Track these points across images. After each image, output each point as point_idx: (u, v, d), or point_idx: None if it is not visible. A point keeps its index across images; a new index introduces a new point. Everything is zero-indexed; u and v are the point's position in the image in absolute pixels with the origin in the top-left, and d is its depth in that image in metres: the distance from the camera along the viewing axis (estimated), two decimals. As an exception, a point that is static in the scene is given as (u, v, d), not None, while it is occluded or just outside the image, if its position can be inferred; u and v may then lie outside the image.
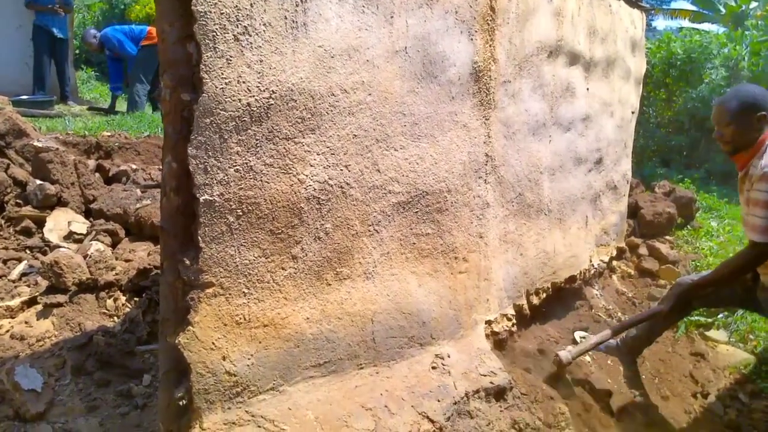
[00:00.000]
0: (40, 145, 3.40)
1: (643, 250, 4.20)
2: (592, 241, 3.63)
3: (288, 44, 1.52)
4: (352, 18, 1.72)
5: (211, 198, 1.41)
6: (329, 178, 1.69)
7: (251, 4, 1.41)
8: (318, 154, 1.65)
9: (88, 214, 3.42)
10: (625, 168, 4.11)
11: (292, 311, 1.66)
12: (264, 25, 1.45)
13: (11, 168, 3.46)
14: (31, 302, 2.17)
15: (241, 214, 1.48)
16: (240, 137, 1.44)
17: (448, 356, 2.16)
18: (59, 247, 3.06)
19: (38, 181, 3.33)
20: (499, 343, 2.59)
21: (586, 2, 3.15)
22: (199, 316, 1.45)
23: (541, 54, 2.74)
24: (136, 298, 2.12)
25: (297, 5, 1.53)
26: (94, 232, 3.08)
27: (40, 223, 3.23)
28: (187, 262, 1.42)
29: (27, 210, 3.24)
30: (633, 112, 4.06)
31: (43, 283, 2.59)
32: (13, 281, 2.81)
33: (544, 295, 3.05)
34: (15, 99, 6.09)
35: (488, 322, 2.49)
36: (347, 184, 1.76)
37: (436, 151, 2.11)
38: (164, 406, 1.53)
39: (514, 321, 2.70)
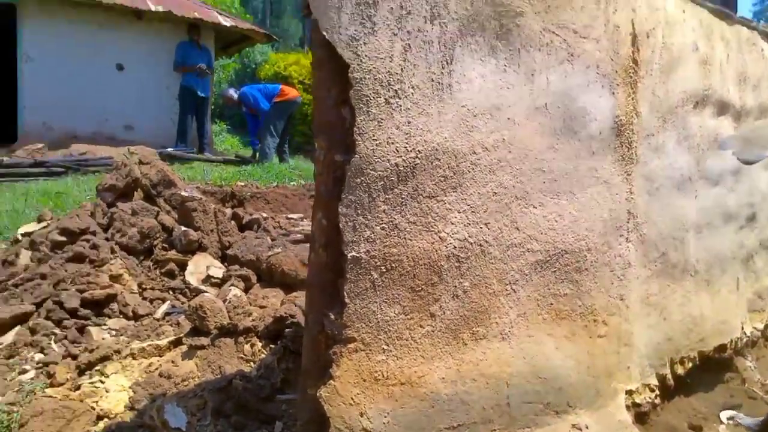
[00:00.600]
0: (185, 194, 3.72)
1: (803, 318, 3.70)
2: (744, 306, 3.27)
3: (434, 105, 1.55)
4: (494, 77, 1.72)
5: (358, 255, 1.44)
6: (469, 236, 1.68)
7: (401, 69, 1.46)
8: (459, 212, 1.64)
9: (223, 259, 3.66)
10: (781, 225, 3.71)
11: (429, 370, 1.63)
12: (412, 87, 1.49)
13: (160, 215, 3.80)
14: (177, 342, 2.33)
15: (384, 270, 1.50)
16: (387, 196, 1.47)
17: (587, 428, 2.01)
18: (199, 289, 3.29)
19: (183, 228, 3.63)
20: (641, 416, 2.37)
21: (736, 48, 2.95)
22: (340, 370, 1.46)
23: (686, 105, 2.59)
24: (271, 345, 2.20)
25: (443, 67, 1.56)
26: (230, 277, 3.28)
27: (183, 266, 3.50)
28: (332, 316, 1.45)
29: (172, 254, 3.53)
30: (789, 164, 3.68)
31: (185, 324, 2.78)
32: (158, 320, 3.05)
33: (690, 364, 2.77)
34: (161, 151, 6.78)
35: (629, 392, 2.30)
36: (486, 242, 1.73)
37: (576, 208, 2.03)
38: (302, 459, 1.54)
39: (657, 392, 2.47)
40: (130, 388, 2.02)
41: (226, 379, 2.01)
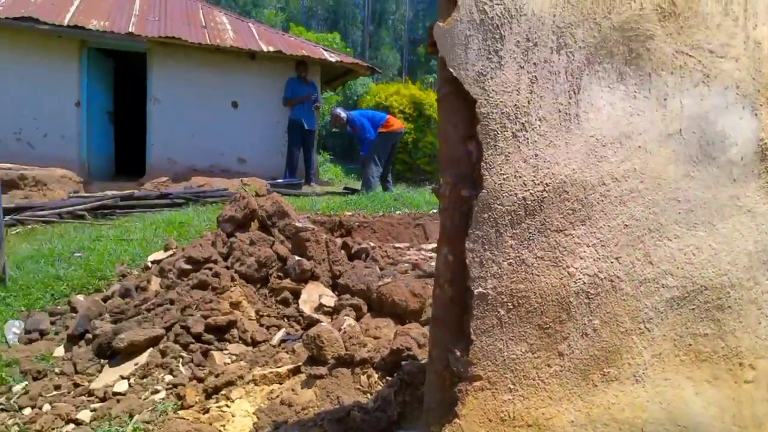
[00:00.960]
0: (299, 225, 3.86)
1: None
2: None
3: (561, 136, 1.50)
4: (624, 104, 1.64)
5: (485, 291, 1.41)
6: (599, 271, 1.59)
7: (528, 102, 1.44)
8: (588, 246, 1.57)
9: (334, 287, 3.74)
10: None
11: (557, 412, 1.55)
12: (539, 120, 1.46)
13: (275, 244, 3.97)
14: (296, 371, 2.40)
15: (511, 307, 1.45)
16: (514, 231, 1.43)
17: (734, 485, 1.81)
18: (312, 317, 3.38)
19: (296, 257, 3.76)
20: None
21: None
22: (466, 409, 1.43)
23: (838, 125, 2.33)
24: (387, 377, 2.21)
25: (570, 97, 1.52)
26: (341, 306, 3.34)
27: (297, 294, 3.62)
28: (458, 353, 1.42)
29: (286, 282, 3.66)
30: None
31: (301, 351, 2.86)
32: (275, 346, 3.16)
33: None
34: (271, 182, 7.12)
35: (781, 447, 2.05)
36: (617, 277, 1.63)
37: (716, 241, 1.87)
38: (426, 499, 1.51)
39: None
40: (254, 413, 2.10)
41: (344, 410, 2.03)
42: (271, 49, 9.50)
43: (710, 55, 1.85)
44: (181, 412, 2.18)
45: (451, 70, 1.36)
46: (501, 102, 1.39)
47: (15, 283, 4.30)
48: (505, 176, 1.40)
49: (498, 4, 1.39)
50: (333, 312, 3.39)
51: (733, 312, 1.92)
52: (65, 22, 8.56)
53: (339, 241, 4.16)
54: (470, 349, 1.42)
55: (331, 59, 10.06)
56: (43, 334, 3.66)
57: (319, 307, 3.47)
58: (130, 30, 8.90)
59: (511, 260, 1.44)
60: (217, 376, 2.48)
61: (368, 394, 2.17)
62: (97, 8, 9.68)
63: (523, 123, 1.42)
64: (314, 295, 3.56)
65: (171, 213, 6.74)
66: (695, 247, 1.82)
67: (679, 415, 1.77)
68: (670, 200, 1.76)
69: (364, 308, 3.32)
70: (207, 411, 2.16)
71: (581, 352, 1.58)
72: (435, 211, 6.20)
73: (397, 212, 6.05)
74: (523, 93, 1.43)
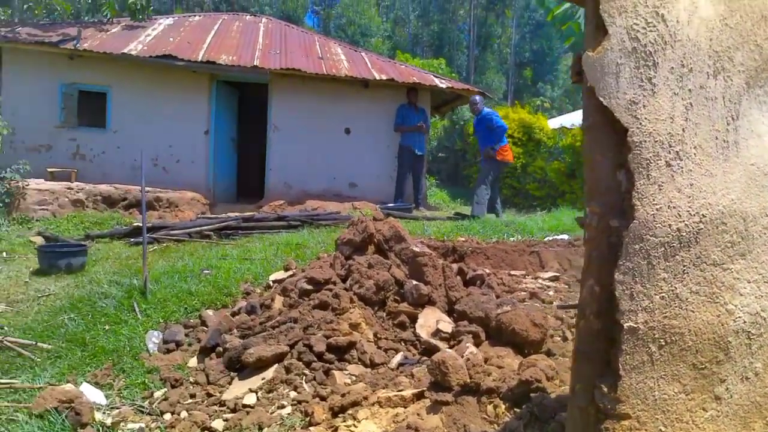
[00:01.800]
0: (417, 250, 3.91)
1: None
2: None
3: (718, 165, 1.42)
4: (787, 129, 1.53)
5: (635, 325, 1.35)
6: (762, 310, 1.48)
7: (683, 129, 1.38)
8: (749, 282, 1.46)
9: (449, 313, 3.74)
10: None
11: (714, 461, 1.44)
12: (695, 148, 1.39)
13: (392, 268, 4.04)
14: (419, 395, 2.41)
15: (663, 344, 1.38)
16: (667, 263, 1.37)
17: None
18: (429, 342, 3.39)
19: (413, 282, 3.81)
20: None
21: None
22: (614, 449, 1.37)
23: None
24: (515, 409, 2.16)
25: (728, 124, 1.44)
26: (458, 333, 3.33)
27: (413, 318, 3.66)
28: (605, 388, 1.37)
29: (403, 306, 3.72)
30: None
31: (419, 375, 2.87)
32: (393, 369, 3.20)
33: None
34: (382, 207, 7.27)
35: None
36: (781, 317, 1.50)
37: None
38: None
39: None
40: (381, 435, 2.14)
41: (472, 439, 2.02)
42: (384, 77, 9.81)
43: None
44: (311, 429, 2.26)
45: (601, 99, 1.34)
46: (654, 130, 1.35)
47: (154, 296, 4.70)
48: (658, 207, 1.35)
49: (651, 31, 1.36)
50: (450, 338, 3.38)
51: None
52: (199, 59, 9.40)
53: (455, 266, 4.15)
54: (618, 386, 1.36)
55: (441, 85, 10.19)
56: (178, 344, 3.97)
57: (436, 333, 3.47)
58: (255, 63, 9.58)
59: (663, 294, 1.37)
60: (343, 395, 2.56)
61: (495, 425, 2.14)
62: (226, 45, 10.54)
63: (677, 151, 1.37)
64: (431, 320, 3.58)
65: (288, 234, 7.08)
66: None
67: None
68: (843, 234, 1.61)
69: (482, 336, 3.29)
70: (336, 429, 2.23)
71: (741, 397, 1.47)
72: (549, 238, 6.03)
73: (511, 239, 5.95)
74: (678, 120, 1.37)
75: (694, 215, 1.39)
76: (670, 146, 1.36)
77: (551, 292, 4.29)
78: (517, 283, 4.37)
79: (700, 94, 1.41)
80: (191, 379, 3.39)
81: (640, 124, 1.34)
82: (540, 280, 4.63)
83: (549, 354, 3.04)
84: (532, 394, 2.15)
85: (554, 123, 17.50)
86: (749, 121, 1.47)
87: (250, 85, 10.81)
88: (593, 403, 1.40)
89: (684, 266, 1.39)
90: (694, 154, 1.39)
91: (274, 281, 4.88)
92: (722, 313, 1.43)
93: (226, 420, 2.84)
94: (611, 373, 1.38)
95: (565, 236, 6.36)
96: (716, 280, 1.43)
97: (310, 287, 3.96)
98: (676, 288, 1.38)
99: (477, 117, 8.62)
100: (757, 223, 1.48)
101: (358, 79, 9.76)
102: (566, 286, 4.50)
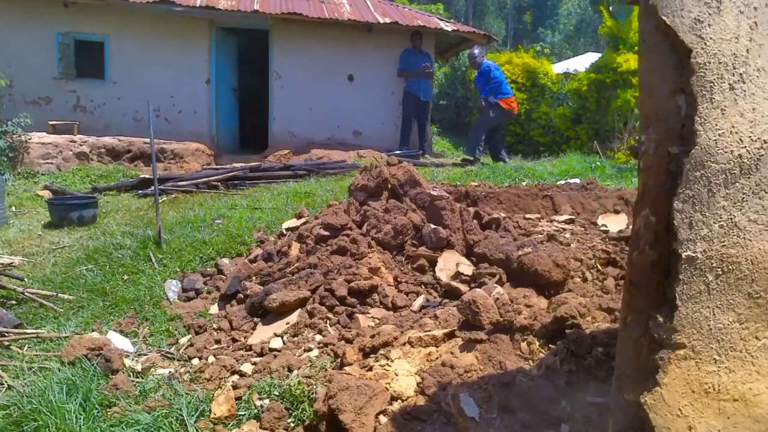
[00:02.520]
0: (435, 193, 3.88)
1: None
2: None
3: (781, 88, 1.37)
4: None
5: (693, 254, 1.33)
6: (815, 239, 1.45)
7: (747, 50, 1.31)
8: (805, 211, 1.43)
9: (468, 256, 3.74)
10: None
11: (765, 389, 1.44)
12: (758, 71, 1.33)
13: (408, 213, 4.02)
14: (450, 335, 2.42)
15: (720, 273, 1.36)
16: (727, 191, 1.33)
17: None
18: (450, 285, 3.40)
19: (432, 225, 3.79)
20: None
21: None
22: (668, 377, 1.37)
23: None
24: (550, 345, 2.17)
25: (791, 45, 1.37)
26: (479, 275, 3.33)
27: (432, 262, 3.65)
28: (660, 319, 1.36)
29: (422, 250, 3.71)
30: None
31: (444, 317, 2.89)
32: (415, 312, 3.22)
33: None
34: (389, 154, 7.19)
35: None
36: (835, 245, 1.48)
37: None
38: (614, 466, 1.48)
39: None
40: (416, 374, 2.16)
41: (509, 375, 2.03)
42: (387, 20, 9.52)
43: None
44: (347, 368, 2.28)
45: (664, 17, 1.27)
46: (719, 51, 1.28)
47: (169, 246, 4.71)
48: (720, 132, 1.30)
49: (718, -56, 1.28)
50: (470, 280, 3.39)
51: None
52: (197, 4, 9.09)
53: (472, 210, 4.13)
54: (674, 316, 1.35)
55: (447, 29, 9.92)
56: (198, 293, 3.99)
57: (456, 275, 3.48)
58: (255, 8, 9.27)
59: (722, 223, 1.34)
60: (372, 336, 2.57)
61: (530, 362, 2.16)
62: (223, -10, 10.21)
63: (741, 74, 1.31)
64: (450, 264, 3.58)
65: (295, 184, 7.05)
66: None
67: None
68: None
69: (503, 278, 3.29)
70: (370, 368, 2.25)
71: (792, 325, 1.46)
72: (561, 182, 5.99)
73: (523, 183, 5.91)
74: (742, 41, 1.31)
75: (756, 141, 1.34)
76: (734, 68, 1.30)
77: (567, 235, 4.28)
78: (533, 226, 4.35)
79: (765, 12, 1.33)
80: (215, 326, 3.42)
81: (705, 44, 1.28)
82: (555, 223, 4.61)
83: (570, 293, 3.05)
84: (567, 331, 2.16)
85: (559, 68, 17.14)
86: (812, 42, 1.40)
87: (250, 32, 10.51)
88: (647, 334, 1.39)
89: (743, 194, 1.35)
90: (757, 77, 1.33)
91: (287, 229, 4.87)
92: (779, 242, 1.40)
93: (254, 363, 2.88)
94: (667, 303, 1.37)
95: (576, 180, 6.31)
96: (774, 208, 1.39)
97: (326, 233, 3.94)
98: (734, 216, 1.35)
99: (478, 71, 8.50)
100: (816, 150, 1.43)
101: (361, 22, 9.48)
102: (582, 229, 4.48)
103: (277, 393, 2.51)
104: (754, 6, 1.32)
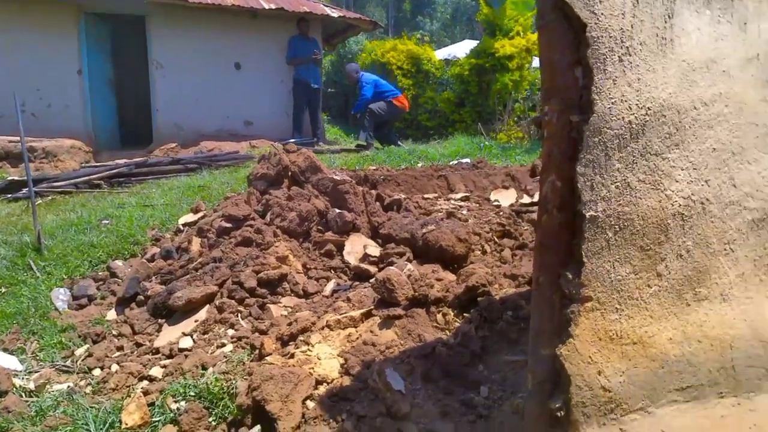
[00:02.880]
0: (337, 178, 3.88)
1: None
2: None
3: (659, 61, 1.52)
4: (709, 29, 1.66)
5: (595, 214, 1.45)
6: (692, 194, 1.64)
7: (632, 25, 1.45)
8: (682, 170, 1.61)
9: (374, 238, 3.79)
10: None
11: (657, 330, 1.62)
12: (640, 44, 1.47)
13: (312, 199, 4.00)
14: (368, 314, 2.46)
15: (618, 229, 1.50)
16: (621, 154, 1.47)
17: (810, 395, 1.91)
18: (359, 268, 3.43)
19: (337, 210, 3.80)
20: None
21: None
22: (578, 329, 1.49)
23: None
24: (464, 314, 2.27)
25: (665, 21, 1.53)
26: (387, 255, 3.39)
27: (340, 247, 3.67)
28: (569, 276, 1.48)
29: (329, 235, 3.71)
30: None
31: (356, 300, 2.92)
32: (327, 297, 3.22)
33: None
34: (283, 142, 7.09)
35: None
36: (706, 199, 1.68)
37: (789, 163, 1.91)
38: (535, 416, 1.59)
39: None
40: (339, 356, 2.16)
41: (428, 346, 2.10)
42: (273, 6, 9.30)
43: (785, -23, 1.86)
44: (268, 359, 2.24)
45: (561, -5, 1.37)
46: (609, 26, 1.40)
47: (51, 252, 4.32)
48: (613, 100, 1.43)
49: (603, -73, 1.39)
50: (379, 261, 3.44)
51: (804, 232, 1.98)
52: (60, -13, 8.35)
53: (374, 193, 4.18)
54: (581, 272, 1.47)
55: (333, 15, 9.86)
56: (91, 299, 3.71)
57: (365, 258, 3.52)
58: (127, -9, 8.69)
59: (618, 183, 1.48)
60: (290, 324, 2.54)
61: (446, 331, 2.24)
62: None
63: (627, 47, 1.44)
64: (358, 246, 3.61)
65: (187, 178, 6.74)
66: (771, 169, 1.87)
67: (762, 331, 1.84)
68: (750, 124, 1.80)
69: (410, 255, 3.37)
70: (292, 356, 2.22)
71: (676, 272, 1.64)
72: (453, 162, 6.22)
73: (419, 165, 6.07)
74: (628, 17, 1.44)
75: (641, 108, 1.49)
76: (622, 41, 1.43)
77: (464, 211, 4.47)
78: (432, 205, 4.50)
79: (644, -9, 1.47)
80: (115, 332, 3.21)
81: (598, 19, 1.39)
82: (452, 201, 4.80)
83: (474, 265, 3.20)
84: (478, 299, 2.27)
85: (440, 54, 17.68)
86: (681, 19, 1.57)
87: (126, 19, 9.79)
88: (558, 291, 1.50)
89: (633, 156, 1.50)
90: (640, 49, 1.47)
91: (184, 224, 4.66)
92: (662, 199, 1.57)
93: (164, 366, 2.74)
94: (574, 261, 1.48)
95: (467, 160, 6.59)
96: (658, 169, 1.55)
97: (229, 225, 3.83)
98: (627, 177, 1.49)
99: (359, 84, 8.73)
100: (688, 116, 1.61)
101: (245, 8, 9.18)
102: (477, 205, 4.71)
103: (193, 393, 2.42)
104: (635, -15, 1.46)
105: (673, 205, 1.60)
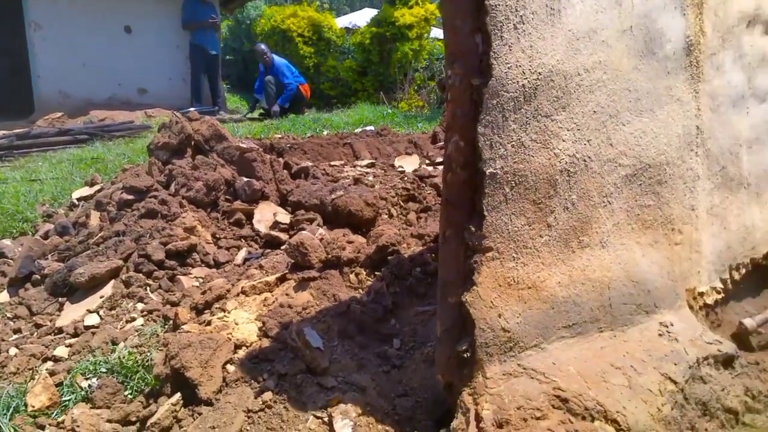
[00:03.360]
0: (244, 146, 3.83)
1: (836, 226, 3.92)
2: (785, 216, 3.46)
3: (548, 30, 1.67)
4: (591, 2, 1.83)
5: (494, 171, 1.59)
6: (576, 152, 1.82)
7: (524, -5, 1.58)
8: (568, 130, 1.78)
9: (283, 205, 3.81)
10: (815, 139, 3.87)
11: (548, 275, 1.81)
12: (532, 13, 1.61)
13: (218, 168, 3.92)
14: (282, 279, 2.50)
15: (514, 185, 1.65)
16: (516, 116, 1.61)
17: (672, 324, 2.21)
18: (270, 235, 3.45)
19: (245, 179, 3.76)
20: (708, 316, 2.58)
21: (779, -34, 3.03)
22: (481, 277, 1.64)
23: (741, 24, 2.69)
24: (376, 273, 2.38)
25: (553, -7, 1.67)
26: (297, 222, 3.43)
27: (249, 215, 3.66)
28: (473, 228, 1.61)
29: (237, 204, 3.68)
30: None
31: (269, 267, 2.95)
32: (239, 266, 3.22)
33: (744, 270, 2.97)
34: (184, 111, 6.82)
35: (700, 294, 2.50)
36: (588, 157, 1.88)
37: (656, 126, 2.17)
38: (444, 360, 1.73)
39: (721, 295, 2.68)
40: (256, 320, 2.20)
41: (343, 305, 2.19)
42: (162, -34, 8.78)
43: (653, -43, 2.07)
44: (184, 327, 2.23)
45: (461, -34, 1.46)
46: (505, -4, 1.52)
47: (-76, 233, 3.95)
48: (509, 65, 1.55)
49: None
50: (289, 228, 3.48)
51: (668, 186, 2.26)
52: None
53: (282, 161, 4.17)
54: (483, 225, 1.61)
55: (229, -22, 9.48)
56: (-23, 281, 3.45)
57: (275, 225, 3.54)
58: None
59: (513, 143, 1.62)
60: (204, 293, 2.53)
61: (359, 290, 2.34)
62: None
63: (521, 16, 1.57)
64: (268, 214, 3.62)
65: (77, 150, 6.33)
66: (641, 131, 2.11)
67: (633, 273, 2.11)
68: (624, 90, 2.01)
69: (320, 221, 3.44)
70: (209, 323, 2.23)
71: (564, 223, 1.83)
72: (358, 130, 6.29)
73: (324, 133, 6.08)
74: (520, -12, 1.56)
75: (533, 73, 1.63)
76: (516, 11, 1.55)
77: (371, 178, 4.58)
78: (338, 172, 4.56)
79: (534, -36, 1.60)
80: (9, 315, 3.03)
81: (494, -11, 1.50)
82: (358, 168, 4.89)
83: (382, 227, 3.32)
84: (389, 258, 2.38)
85: (341, 22, 17.51)
86: (567, -9, 1.72)
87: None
88: (462, 243, 1.64)
89: (527, 118, 1.64)
90: (532, 18, 1.61)
91: (79, 198, 4.42)
92: (551, 156, 1.74)
93: (70, 345, 2.65)
94: (477, 215, 1.62)
95: (371, 128, 6.69)
96: (547, 129, 1.72)
97: (130, 197, 3.68)
98: (522, 137, 1.64)
99: (269, 68, 8.46)
100: (573, 81, 1.78)
101: (132, -32, 8.59)
102: (382, 171, 4.83)
103: (104, 369, 2.37)
104: (526, -41, 1.58)
105: (560, 162, 1.77)
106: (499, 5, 1.50)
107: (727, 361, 2.18)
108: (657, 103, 2.18)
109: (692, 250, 2.45)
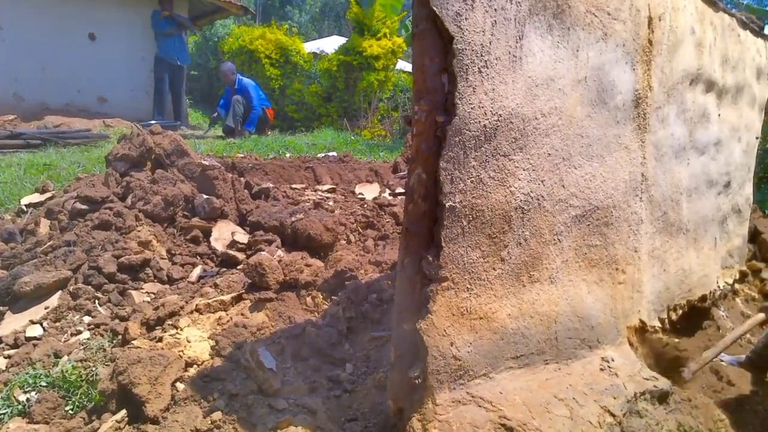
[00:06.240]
0: (206, 163, 3.82)
1: (765, 274, 4.18)
2: (719, 262, 3.68)
3: (509, 75, 1.77)
4: (550, 52, 1.96)
5: (453, 204, 1.66)
6: (530, 191, 1.92)
7: (490, 42, 1.68)
8: (524, 170, 1.89)
9: (242, 225, 3.80)
10: (748, 192, 4.15)
11: (499, 307, 1.88)
12: (496, 59, 1.71)
13: (178, 184, 3.89)
14: (238, 298, 2.50)
15: (471, 219, 1.73)
16: (476, 153, 1.69)
17: (612, 360, 2.32)
18: (227, 254, 3.43)
19: (205, 196, 3.75)
20: (647, 354, 2.71)
21: (720, 32, 3.28)
22: (436, 306, 1.69)
23: (684, 81, 2.90)
24: (332, 297, 2.41)
25: (516, 41, 1.79)
26: (255, 242, 3.43)
27: (206, 233, 3.63)
28: (430, 258, 1.68)
29: (195, 221, 3.65)
30: (757, 138, 4.11)
31: (224, 286, 2.93)
32: (193, 283, 3.19)
33: (681, 311, 3.15)
34: (145, 124, 6.74)
35: (640, 331, 2.63)
36: (542, 197, 1.98)
37: (605, 170, 2.31)
38: (396, 385, 1.77)
39: (660, 334, 2.82)
40: (210, 338, 2.19)
41: (299, 327, 2.21)
42: (132, -24, 8.71)
43: (608, 16, 2.24)
44: (134, 343, 2.19)
45: (435, 8, 1.55)
46: (472, 40, 1.61)
47: None
48: (472, 106, 1.64)
49: (469, -45, 1.60)
50: (247, 248, 3.47)
51: (613, 228, 2.40)
52: None
53: (243, 180, 4.17)
54: (440, 255, 1.67)
55: (199, -5, 9.49)
56: None
57: (233, 244, 3.52)
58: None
59: (473, 179, 1.70)
60: (156, 308, 2.50)
61: (315, 313, 2.36)
62: None
63: (485, 60, 1.67)
64: (226, 233, 3.60)
65: (29, 155, 6.13)
66: (591, 174, 2.24)
67: (578, 308, 2.21)
68: (577, 135, 2.15)
69: (279, 243, 3.45)
70: (160, 339, 2.20)
71: (516, 258, 1.92)
72: (321, 155, 6.34)
73: (287, 155, 6.10)
74: (487, 34, 1.67)
75: (494, 114, 1.73)
76: (481, 55, 1.65)
77: (331, 203, 4.62)
78: (299, 195, 4.58)
79: (501, 14, 1.71)
80: (-57, 322, 2.89)
81: (463, 34, 1.59)
82: (319, 192, 4.92)
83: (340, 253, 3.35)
84: (346, 283, 2.42)
85: (309, 47, 17.66)
86: (529, 41, 1.85)
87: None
88: (419, 272, 1.70)
89: (486, 156, 1.73)
90: (496, 63, 1.71)
91: (27, 205, 4.28)
92: (508, 194, 1.83)
93: (8, 357, 2.56)
94: (435, 245, 1.68)
95: (333, 153, 6.75)
96: (505, 168, 1.81)
97: (84, 207, 3.61)
98: (480, 174, 1.73)
99: (235, 87, 8.37)
100: (530, 124, 1.89)
101: (100, -25, 8.49)
102: (343, 197, 4.88)
103: (45, 383, 2.29)
104: (495, 8, 1.69)
105: (515, 200, 1.87)
106: (465, 49, 1.60)
107: (662, 397, 2.29)
108: (606, 150, 2.32)
109: (634, 290, 2.58)
